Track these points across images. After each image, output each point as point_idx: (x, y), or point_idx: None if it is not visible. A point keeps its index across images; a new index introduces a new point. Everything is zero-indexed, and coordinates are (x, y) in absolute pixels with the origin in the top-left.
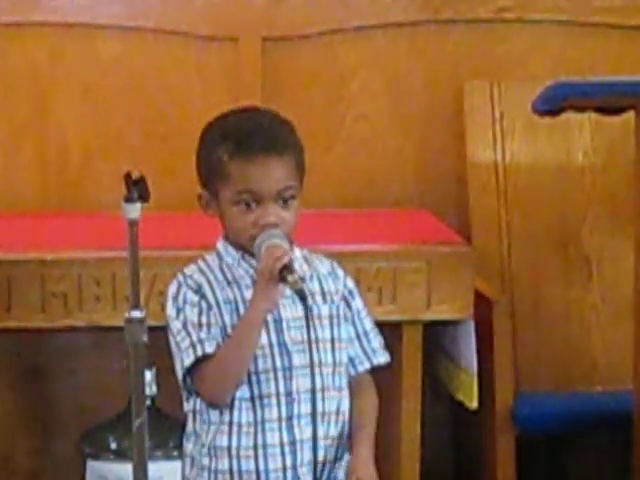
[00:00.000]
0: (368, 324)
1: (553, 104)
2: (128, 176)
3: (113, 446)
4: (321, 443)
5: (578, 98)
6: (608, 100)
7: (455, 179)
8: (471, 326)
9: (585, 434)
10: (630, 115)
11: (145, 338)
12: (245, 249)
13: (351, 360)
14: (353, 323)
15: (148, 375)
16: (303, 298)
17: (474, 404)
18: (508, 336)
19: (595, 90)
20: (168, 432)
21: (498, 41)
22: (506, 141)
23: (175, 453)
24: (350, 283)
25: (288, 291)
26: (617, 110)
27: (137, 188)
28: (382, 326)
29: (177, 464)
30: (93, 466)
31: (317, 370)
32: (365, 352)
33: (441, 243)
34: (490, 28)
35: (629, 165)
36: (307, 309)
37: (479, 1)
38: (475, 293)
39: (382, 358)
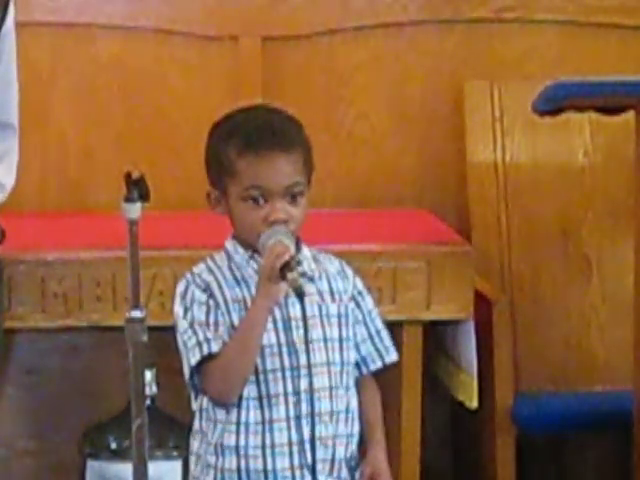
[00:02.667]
0: (379, 323)
1: (553, 104)
2: (128, 176)
3: (113, 446)
4: (329, 442)
5: (578, 98)
6: (608, 100)
7: (455, 179)
8: (471, 326)
9: (585, 434)
10: (630, 115)
11: (145, 338)
12: (254, 248)
13: (364, 359)
14: (365, 323)
15: (148, 375)
16: (300, 296)
17: (474, 404)
18: (508, 336)
19: (595, 90)
20: (168, 432)
21: (498, 41)
22: (506, 141)
23: (175, 453)
24: (359, 284)
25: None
26: (617, 110)
27: (137, 188)
28: None
29: (177, 464)
30: (93, 466)
31: (325, 369)
32: (378, 351)
33: (441, 243)
34: (490, 28)
35: (629, 165)
36: (304, 308)
37: (479, 1)
38: (475, 293)
39: (393, 356)
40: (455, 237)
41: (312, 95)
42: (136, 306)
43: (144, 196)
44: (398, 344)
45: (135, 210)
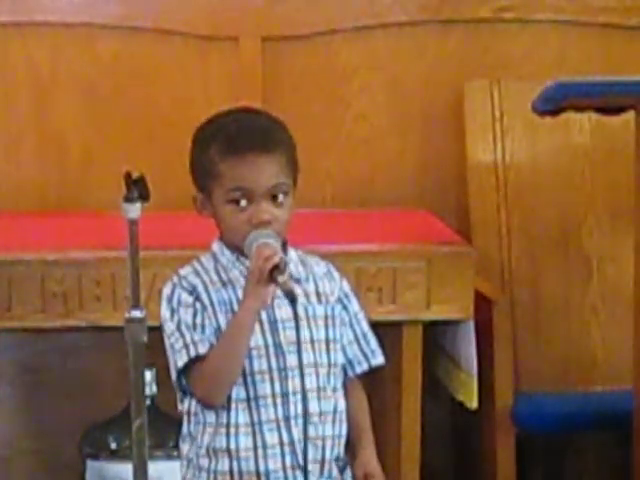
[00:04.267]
0: (365, 326)
1: (553, 104)
2: (128, 176)
3: (113, 446)
4: (319, 443)
5: (578, 98)
6: (608, 100)
7: (455, 179)
8: (471, 326)
9: (585, 434)
10: (630, 115)
11: (145, 338)
12: (240, 250)
13: (349, 362)
14: (351, 326)
15: (148, 375)
16: (292, 300)
17: (474, 404)
18: (508, 336)
19: (595, 90)
20: (168, 432)
21: (498, 41)
22: (506, 141)
23: (175, 453)
24: (346, 286)
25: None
26: (617, 110)
27: (137, 188)
28: (382, 326)
29: (177, 464)
30: (93, 466)
31: (313, 370)
32: (364, 354)
33: (441, 243)
34: (490, 28)
35: (629, 165)
36: (296, 310)
37: (479, 1)
38: (475, 293)
39: (380, 359)
40: (455, 237)
41: (312, 95)
42: (136, 306)
43: (144, 196)
44: (398, 344)
45: (135, 210)
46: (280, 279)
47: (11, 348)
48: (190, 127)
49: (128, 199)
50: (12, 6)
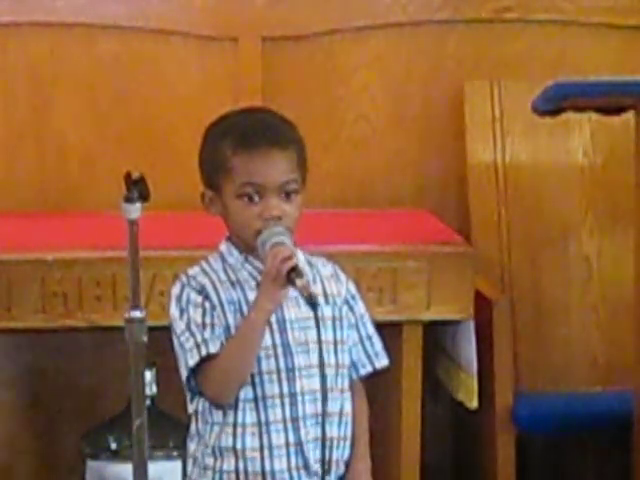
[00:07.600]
0: (370, 328)
1: (553, 104)
2: (128, 176)
3: (113, 446)
4: (325, 443)
5: (578, 98)
6: (608, 100)
7: (455, 179)
8: (471, 326)
9: (585, 434)
10: (630, 115)
11: (145, 338)
12: (249, 248)
13: (354, 364)
14: (357, 328)
15: (148, 375)
16: (313, 304)
17: (474, 404)
18: (508, 336)
19: (595, 90)
20: (168, 432)
21: (498, 41)
22: (506, 141)
23: (175, 453)
24: (352, 287)
25: (292, 292)
26: (617, 110)
27: (137, 188)
28: (382, 326)
29: (177, 464)
30: (93, 466)
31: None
32: (368, 356)
33: (441, 243)
34: (490, 28)
35: (629, 165)
36: (316, 312)
37: (479, 1)
38: (475, 293)
39: (384, 361)
40: (455, 237)
41: (312, 95)
42: (136, 306)
43: (144, 196)
44: (398, 344)
45: (135, 210)
46: (299, 282)
47: (11, 348)
48: (190, 127)
49: (128, 199)
50: (12, 6)
